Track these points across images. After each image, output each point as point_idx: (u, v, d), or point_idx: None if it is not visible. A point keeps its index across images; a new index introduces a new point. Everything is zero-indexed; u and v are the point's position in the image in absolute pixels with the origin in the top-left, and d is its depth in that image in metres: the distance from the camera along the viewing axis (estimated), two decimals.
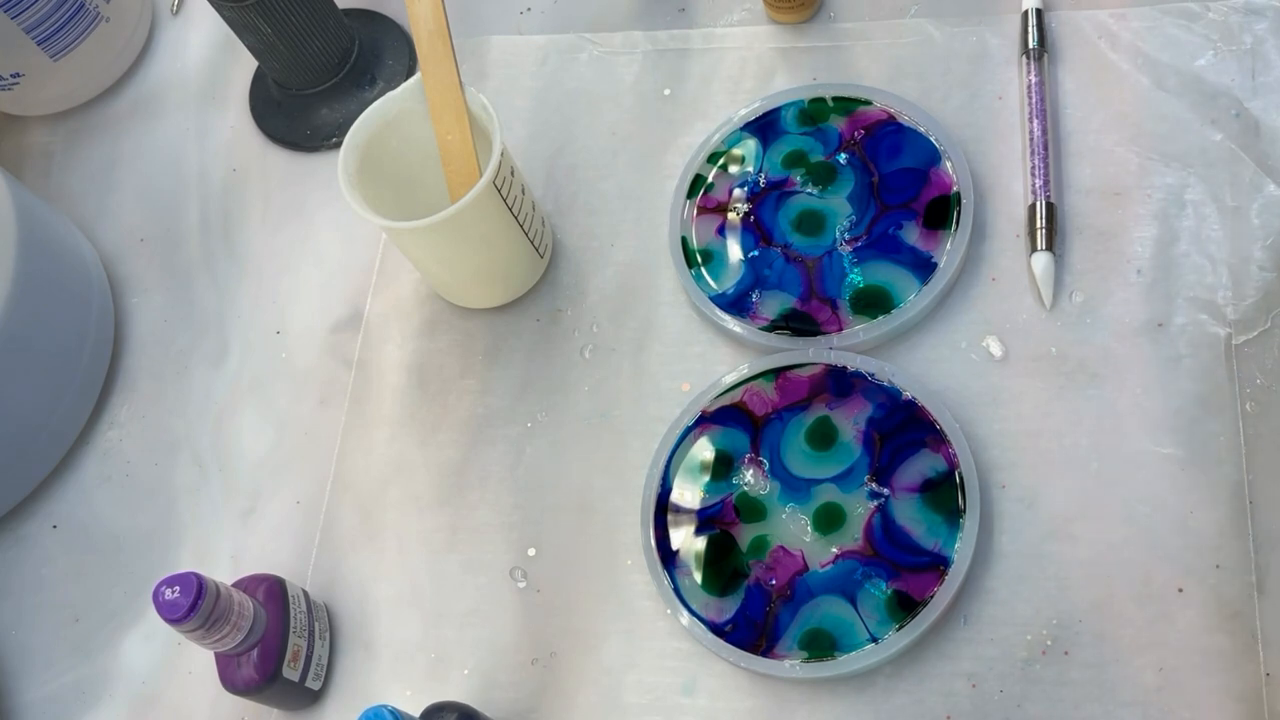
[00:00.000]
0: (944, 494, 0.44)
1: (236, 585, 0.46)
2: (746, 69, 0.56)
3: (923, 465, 0.45)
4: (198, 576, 0.41)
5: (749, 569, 0.45)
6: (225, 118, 0.63)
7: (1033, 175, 0.49)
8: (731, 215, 0.52)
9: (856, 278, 0.49)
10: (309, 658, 0.47)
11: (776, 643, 0.44)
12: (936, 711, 0.43)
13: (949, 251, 0.49)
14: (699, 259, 0.51)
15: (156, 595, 0.41)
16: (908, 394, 0.46)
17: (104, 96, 0.65)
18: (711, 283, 0.51)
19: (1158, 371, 0.46)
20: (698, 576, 0.45)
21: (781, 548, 0.45)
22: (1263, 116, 0.49)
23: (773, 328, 0.49)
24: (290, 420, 0.54)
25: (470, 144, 0.49)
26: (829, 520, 0.45)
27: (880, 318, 0.48)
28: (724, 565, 0.45)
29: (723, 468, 0.47)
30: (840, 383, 0.47)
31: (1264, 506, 0.43)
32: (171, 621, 0.41)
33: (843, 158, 0.51)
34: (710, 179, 0.53)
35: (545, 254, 0.54)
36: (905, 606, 0.43)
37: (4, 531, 0.55)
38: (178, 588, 0.41)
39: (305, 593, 0.48)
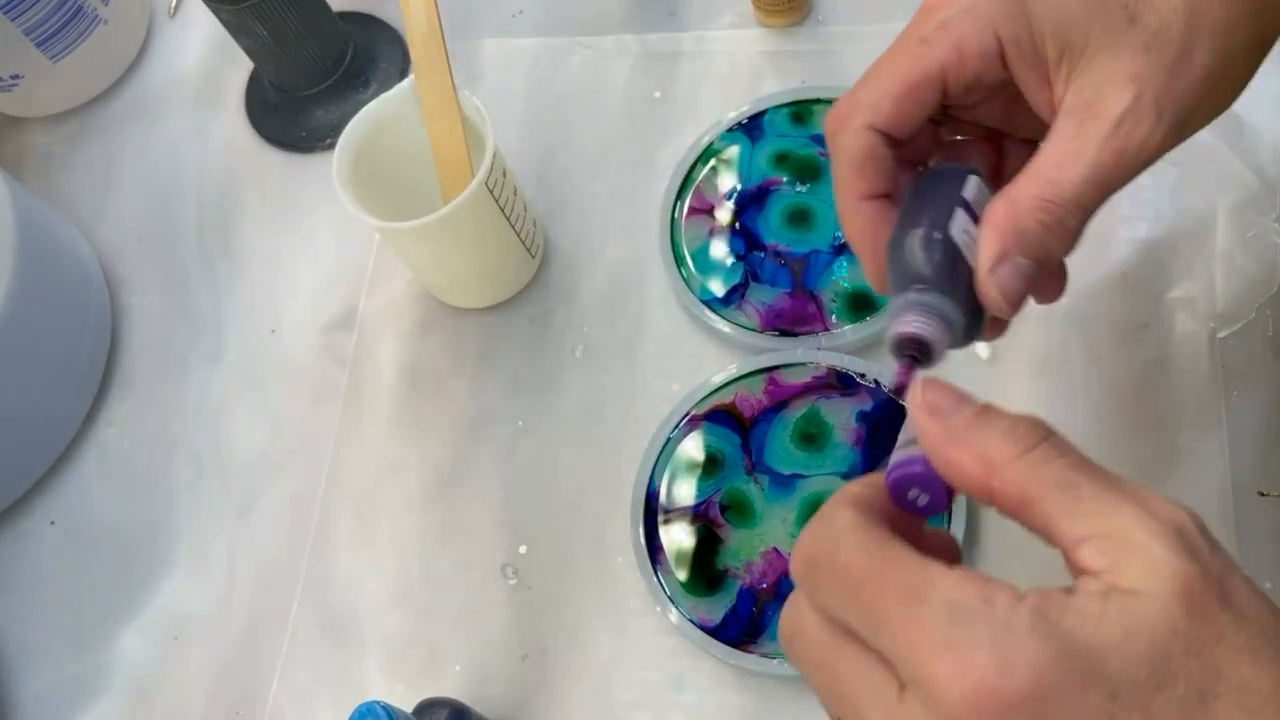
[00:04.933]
0: None
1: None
2: (736, 72, 0.57)
3: None
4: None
5: (737, 567, 0.45)
6: (222, 119, 0.63)
7: None
8: (721, 216, 0.52)
9: (844, 279, 0.49)
10: None
11: (765, 640, 0.44)
12: None
13: None
14: (689, 260, 0.52)
15: None
16: None
17: (102, 98, 0.66)
18: (701, 283, 0.51)
19: (1144, 371, 0.46)
20: (686, 574, 0.46)
21: (769, 547, 0.45)
22: (1246, 116, 0.49)
23: (761, 328, 0.50)
24: (285, 418, 0.55)
25: (463, 145, 0.49)
26: None
27: (868, 318, 0.48)
28: (712, 563, 0.46)
29: (712, 467, 0.47)
30: (828, 383, 0.48)
31: (1248, 498, 0.43)
32: None
33: None
34: (700, 180, 0.53)
35: (537, 254, 0.54)
36: None
37: (3, 528, 0.55)
38: None
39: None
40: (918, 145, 0.34)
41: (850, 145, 0.32)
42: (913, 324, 0.31)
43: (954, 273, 0.31)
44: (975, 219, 0.31)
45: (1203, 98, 0.31)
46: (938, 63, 0.31)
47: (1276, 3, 0.31)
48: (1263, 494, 0.43)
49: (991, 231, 0.30)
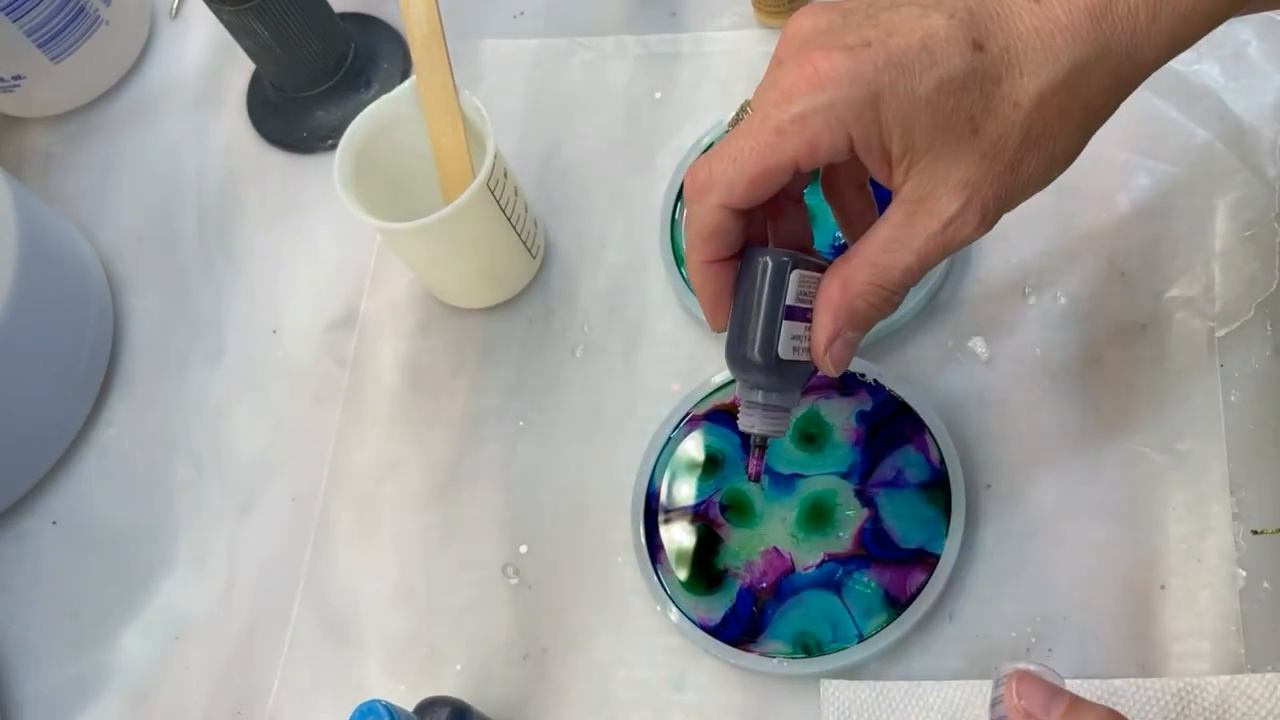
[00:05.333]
0: (930, 493, 0.45)
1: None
2: (736, 72, 0.57)
3: (910, 465, 0.45)
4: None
5: (737, 566, 0.45)
6: (223, 120, 0.63)
7: None
8: None
9: None
10: None
11: (765, 639, 0.44)
12: None
13: None
14: None
15: None
16: (895, 394, 0.47)
17: (104, 98, 0.66)
18: None
19: (1142, 371, 0.46)
20: (686, 573, 0.46)
21: (769, 546, 0.45)
22: (1245, 116, 0.50)
23: None
24: (286, 418, 0.55)
25: (464, 146, 0.49)
26: (817, 519, 0.45)
27: None
28: (712, 563, 0.46)
29: (712, 467, 0.47)
30: (828, 383, 0.48)
31: (1246, 499, 0.43)
32: None
33: None
34: None
35: (537, 255, 0.54)
36: (891, 604, 0.43)
37: (4, 528, 0.56)
38: None
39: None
40: None
41: (703, 218, 0.35)
42: (757, 426, 0.38)
43: (787, 372, 0.37)
44: (800, 312, 0.36)
45: (1025, 193, 0.34)
46: (791, 155, 0.33)
47: (1103, 112, 0.34)
48: (1256, 532, 0.43)
49: (826, 312, 0.35)
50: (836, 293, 0.35)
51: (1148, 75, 0.33)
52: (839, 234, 0.50)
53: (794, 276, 0.36)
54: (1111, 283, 0.48)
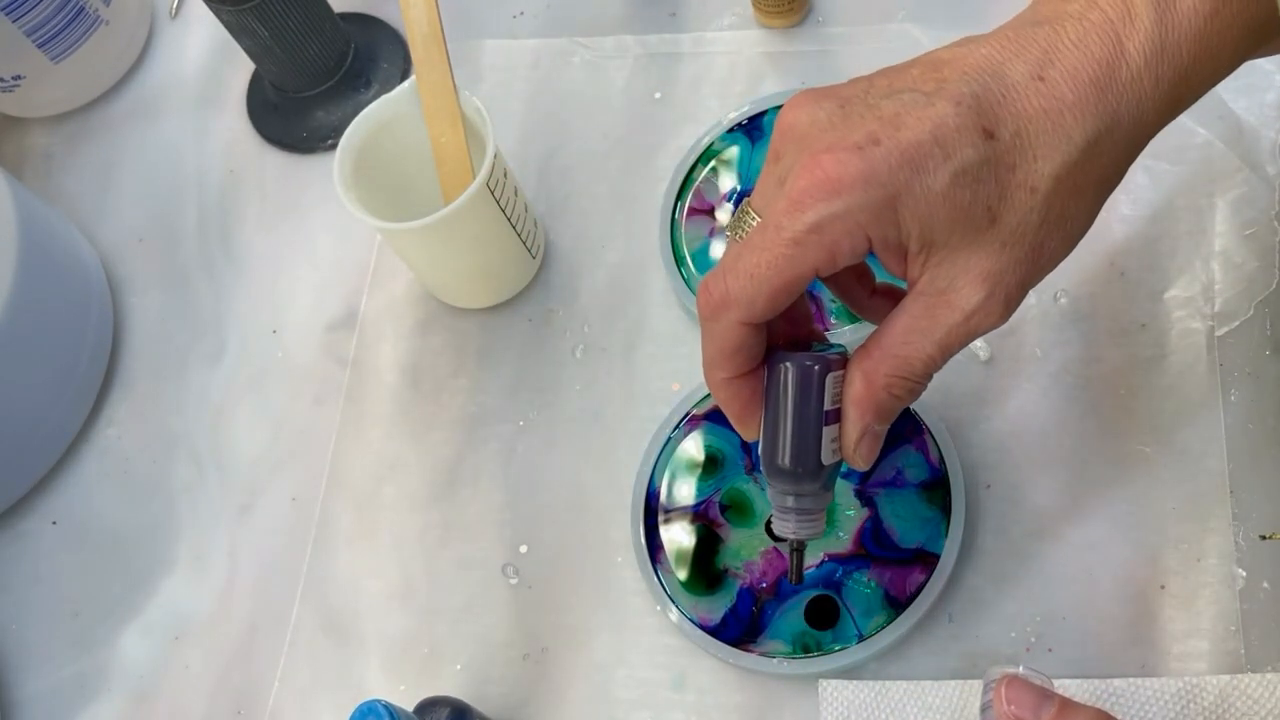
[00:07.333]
0: (930, 493, 0.45)
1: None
2: (736, 73, 0.57)
3: (909, 465, 0.45)
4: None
5: (737, 566, 0.45)
6: (223, 120, 0.63)
7: None
8: (721, 217, 0.52)
9: None
10: None
11: (764, 639, 0.44)
12: None
13: None
14: (689, 260, 0.52)
15: None
16: None
17: (103, 98, 0.66)
18: None
19: (1141, 371, 0.46)
20: (686, 573, 0.46)
21: (769, 546, 0.45)
22: (1245, 116, 0.50)
23: None
24: (286, 418, 0.55)
25: (464, 146, 0.50)
26: None
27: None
28: (712, 563, 0.46)
29: (712, 467, 0.47)
30: None
31: (1245, 499, 0.43)
32: None
33: None
34: (700, 181, 0.53)
35: (537, 255, 0.54)
36: (891, 604, 0.43)
37: (4, 528, 0.56)
38: None
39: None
40: None
41: (723, 336, 0.34)
42: (795, 531, 0.38)
43: (822, 473, 0.36)
44: (835, 414, 0.35)
45: (1045, 273, 0.34)
46: (810, 265, 0.32)
47: (1114, 180, 0.33)
48: (1264, 537, 0.43)
49: (854, 409, 0.35)
50: (861, 387, 0.34)
51: (1153, 136, 0.33)
52: None
53: (829, 380, 0.35)
54: (1111, 282, 0.48)
